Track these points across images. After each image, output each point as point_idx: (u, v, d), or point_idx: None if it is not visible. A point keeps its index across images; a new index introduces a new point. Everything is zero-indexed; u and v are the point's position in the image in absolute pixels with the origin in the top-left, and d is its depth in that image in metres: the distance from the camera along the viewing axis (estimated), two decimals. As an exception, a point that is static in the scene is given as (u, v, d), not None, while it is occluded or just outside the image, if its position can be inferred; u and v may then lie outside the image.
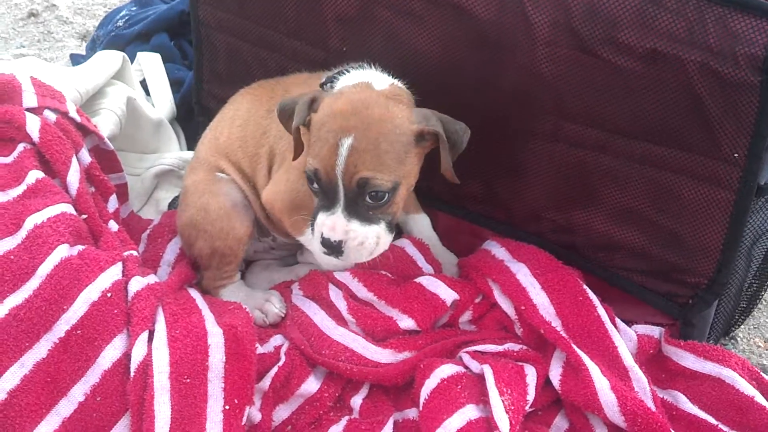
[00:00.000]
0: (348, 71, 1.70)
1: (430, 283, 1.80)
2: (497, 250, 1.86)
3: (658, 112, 1.59)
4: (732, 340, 2.03)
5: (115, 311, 1.56)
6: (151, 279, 1.70)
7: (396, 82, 1.68)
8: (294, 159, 1.62)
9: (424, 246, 1.92)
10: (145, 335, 1.55)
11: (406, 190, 1.59)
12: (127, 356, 1.53)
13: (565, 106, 1.68)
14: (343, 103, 1.52)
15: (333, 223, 1.52)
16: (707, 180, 1.60)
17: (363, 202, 1.52)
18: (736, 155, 1.54)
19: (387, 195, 1.52)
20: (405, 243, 1.90)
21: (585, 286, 1.74)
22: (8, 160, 1.71)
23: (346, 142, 1.47)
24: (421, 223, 1.95)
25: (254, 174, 1.88)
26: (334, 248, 1.54)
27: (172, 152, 2.37)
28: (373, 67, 1.72)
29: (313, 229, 1.58)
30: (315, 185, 1.54)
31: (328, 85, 1.68)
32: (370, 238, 1.55)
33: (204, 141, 1.99)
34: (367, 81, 1.62)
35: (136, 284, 1.63)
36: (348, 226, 1.52)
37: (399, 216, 1.65)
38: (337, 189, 1.51)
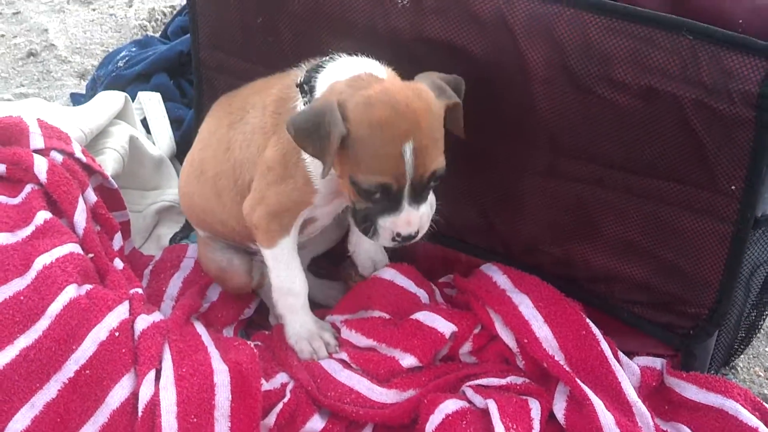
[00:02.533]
0: (331, 59, 1.66)
1: (427, 317, 1.81)
2: (499, 278, 1.87)
3: (655, 147, 1.62)
4: (732, 370, 2.04)
5: (123, 350, 1.58)
6: (156, 316, 1.72)
7: (381, 63, 1.66)
8: (324, 175, 1.50)
9: (410, 270, 1.94)
10: (152, 374, 1.57)
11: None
12: (135, 395, 1.55)
13: (561, 141, 1.71)
14: (381, 110, 1.45)
15: (407, 219, 1.52)
16: (705, 213, 1.62)
17: (427, 187, 1.54)
18: (733, 188, 1.57)
19: (445, 168, 1.54)
20: (392, 274, 1.91)
21: (588, 320, 1.75)
22: (16, 201, 1.74)
23: (409, 148, 1.45)
24: None
25: (217, 196, 1.85)
26: (410, 238, 1.55)
27: (173, 189, 2.39)
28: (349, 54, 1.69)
29: (372, 232, 1.56)
30: (377, 195, 1.51)
31: (310, 82, 1.64)
32: (432, 207, 1.62)
33: (182, 176, 2.03)
34: (367, 71, 1.59)
35: (142, 323, 1.65)
36: (419, 213, 1.53)
37: None
38: (404, 189, 1.49)
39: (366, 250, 1.94)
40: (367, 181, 1.48)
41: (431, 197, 1.60)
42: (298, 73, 1.71)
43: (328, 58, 1.68)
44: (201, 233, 2.00)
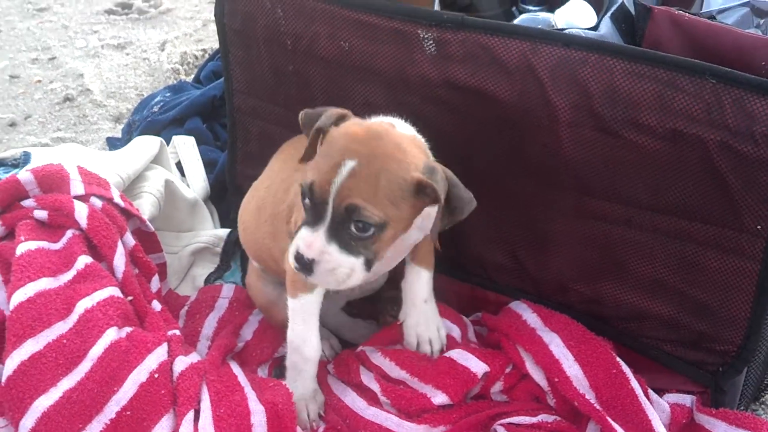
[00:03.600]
0: (378, 118, 1.69)
1: (461, 356, 1.82)
2: (529, 316, 1.89)
3: (681, 188, 1.64)
4: (762, 406, 2.04)
5: (162, 391, 1.62)
6: (194, 357, 1.76)
7: (420, 137, 1.65)
8: (301, 161, 1.59)
9: (445, 308, 1.94)
10: (191, 415, 1.60)
11: (393, 234, 1.52)
12: (172, 434, 1.59)
13: (588, 182, 1.74)
14: (360, 128, 1.51)
15: (312, 241, 1.47)
16: (732, 251, 1.64)
17: (348, 229, 1.47)
18: (759, 227, 1.59)
19: (372, 229, 1.47)
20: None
21: (617, 358, 1.77)
22: (58, 246, 1.79)
23: (349, 164, 1.44)
24: (420, 276, 1.84)
25: (273, 238, 1.87)
26: (305, 266, 1.48)
27: (207, 230, 2.45)
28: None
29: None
30: (306, 200, 1.50)
31: None
32: (343, 267, 1.49)
33: (243, 205, 2.07)
34: (391, 122, 1.63)
35: (181, 364, 1.69)
36: (326, 247, 1.47)
37: (382, 258, 1.57)
38: (326, 208, 1.46)
39: (415, 324, 1.87)
40: (305, 177, 1.51)
41: (358, 264, 1.50)
42: None
43: (380, 119, 1.69)
44: (255, 264, 2.04)
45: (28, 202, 1.85)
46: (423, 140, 1.65)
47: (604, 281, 1.84)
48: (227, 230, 2.43)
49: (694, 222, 1.66)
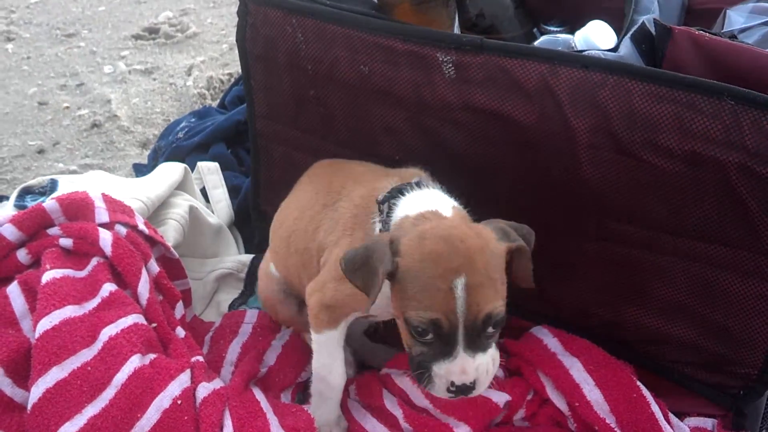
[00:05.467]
0: (403, 193, 1.62)
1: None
2: (549, 340, 1.89)
3: (701, 210, 1.64)
4: (786, 428, 2.02)
5: (185, 417, 1.63)
6: (217, 383, 1.77)
7: (453, 201, 1.62)
8: (366, 311, 1.48)
9: None
10: None
11: None
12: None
13: (608, 205, 1.74)
14: (433, 243, 1.40)
15: (462, 367, 1.40)
16: (752, 274, 1.64)
17: (483, 332, 1.40)
18: (779, 250, 1.58)
19: (504, 318, 1.43)
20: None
21: (638, 382, 1.76)
22: (83, 273, 1.82)
23: (460, 284, 1.35)
24: None
25: (303, 267, 1.87)
26: (466, 390, 1.43)
27: (231, 256, 2.47)
28: (427, 183, 1.67)
29: (425, 381, 1.44)
30: (429, 336, 1.41)
31: (386, 208, 1.62)
32: (492, 365, 1.45)
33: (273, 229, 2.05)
34: (432, 209, 1.55)
35: (203, 390, 1.70)
36: (475, 362, 1.40)
37: None
38: (456, 332, 1.38)
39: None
40: (417, 317, 1.39)
41: (494, 350, 1.46)
42: (391, 180, 1.71)
43: (410, 184, 1.64)
44: (274, 271, 2.04)
45: (53, 231, 1.88)
46: (457, 203, 1.63)
47: (625, 305, 1.83)
48: (251, 256, 2.44)
49: (714, 245, 1.66)
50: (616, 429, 1.69)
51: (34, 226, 1.88)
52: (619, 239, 1.76)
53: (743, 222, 1.60)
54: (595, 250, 1.81)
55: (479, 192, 1.76)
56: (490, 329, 1.41)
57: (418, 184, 1.64)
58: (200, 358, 1.82)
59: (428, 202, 1.58)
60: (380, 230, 1.60)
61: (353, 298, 1.61)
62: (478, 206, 1.67)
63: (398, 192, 1.62)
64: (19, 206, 2.10)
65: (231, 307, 2.33)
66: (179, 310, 2.00)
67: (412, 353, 1.47)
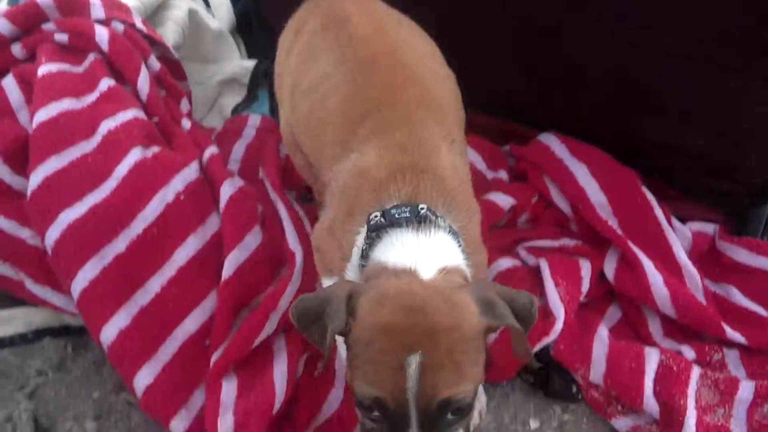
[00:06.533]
0: (394, 227, 1.34)
1: (489, 194, 1.84)
2: (557, 147, 1.88)
3: (716, 17, 1.58)
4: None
5: (189, 211, 1.64)
6: (238, 181, 1.78)
7: (450, 251, 1.34)
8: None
9: (478, 141, 1.94)
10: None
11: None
12: (200, 258, 1.62)
13: (623, 10, 1.68)
14: (391, 313, 1.16)
15: None
16: (764, 80, 1.60)
17: (443, 421, 1.18)
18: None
19: (470, 404, 1.20)
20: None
21: (643, 187, 1.77)
22: (80, 69, 1.78)
23: (414, 362, 1.13)
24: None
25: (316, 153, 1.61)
26: None
27: (233, 61, 2.41)
28: (432, 219, 1.34)
29: None
30: (375, 413, 1.18)
31: (372, 237, 1.35)
32: None
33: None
34: (412, 266, 1.27)
35: (229, 188, 1.72)
36: None
37: None
38: (407, 414, 1.16)
39: None
40: (361, 390, 1.18)
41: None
42: (401, 186, 1.39)
43: (409, 219, 1.33)
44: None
45: (48, 26, 1.82)
46: (459, 259, 1.33)
47: (636, 115, 1.81)
48: (254, 61, 2.39)
49: (730, 50, 1.60)
50: (617, 230, 1.71)
51: (28, 20, 1.82)
52: (633, 46, 1.71)
53: (759, 28, 1.54)
54: (607, 58, 1.76)
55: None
56: (450, 416, 1.18)
57: (420, 220, 1.34)
58: (215, 150, 1.82)
59: (414, 252, 1.31)
60: (360, 255, 1.38)
61: (331, 262, 1.47)
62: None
63: (390, 224, 1.35)
64: (13, 2, 2.04)
65: (234, 111, 2.31)
66: (185, 105, 1.98)
67: (364, 426, 1.25)
